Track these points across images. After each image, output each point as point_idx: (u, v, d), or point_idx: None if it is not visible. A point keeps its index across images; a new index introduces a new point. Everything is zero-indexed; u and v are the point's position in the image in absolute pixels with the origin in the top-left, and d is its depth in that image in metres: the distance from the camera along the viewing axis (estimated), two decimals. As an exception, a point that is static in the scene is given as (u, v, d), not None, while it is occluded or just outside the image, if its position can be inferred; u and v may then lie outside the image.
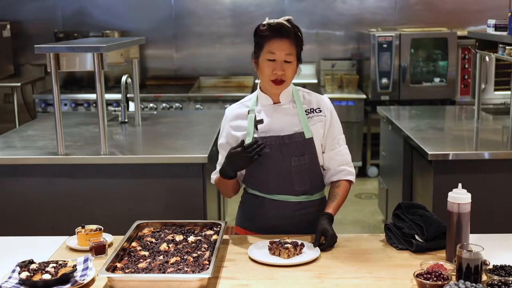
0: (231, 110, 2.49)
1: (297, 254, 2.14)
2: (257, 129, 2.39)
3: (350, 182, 2.47)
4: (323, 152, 2.43)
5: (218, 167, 2.46)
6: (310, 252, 2.16)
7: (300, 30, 2.35)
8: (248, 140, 2.36)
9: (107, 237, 2.32)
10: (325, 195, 2.49)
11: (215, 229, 2.31)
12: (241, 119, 2.44)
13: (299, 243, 2.18)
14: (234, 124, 2.45)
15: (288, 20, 2.32)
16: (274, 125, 2.38)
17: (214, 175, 2.49)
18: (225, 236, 2.32)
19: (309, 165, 2.41)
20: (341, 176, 2.45)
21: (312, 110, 2.42)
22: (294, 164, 2.38)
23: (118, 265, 2.00)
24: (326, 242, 2.21)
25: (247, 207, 2.51)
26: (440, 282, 1.81)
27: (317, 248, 2.18)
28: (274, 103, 2.41)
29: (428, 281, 1.83)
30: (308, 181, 2.42)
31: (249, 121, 2.41)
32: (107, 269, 1.92)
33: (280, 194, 2.41)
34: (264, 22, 2.32)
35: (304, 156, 2.38)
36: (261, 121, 2.39)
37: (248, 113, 2.42)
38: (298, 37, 2.33)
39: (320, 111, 2.43)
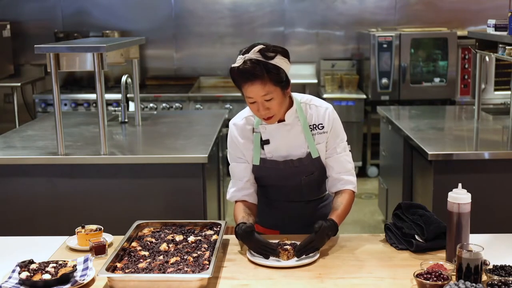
0: (236, 127, 2.39)
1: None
2: (263, 149, 2.35)
3: (352, 191, 2.40)
4: None
5: (238, 183, 2.39)
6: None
7: (275, 56, 2.15)
8: (255, 160, 2.34)
9: (107, 237, 2.32)
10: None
11: (215, 229, 2.31)
12: (246, 139, 2.37)
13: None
14: (241, 142, 2.37)
15: (260, 51, 2.14)
16: (280, 146, 2.34)
17: (234, 194, 2.40)
18: (225, 236, 2.32)
19: (318, 179, 2.43)
20: (340, 186, 2.38)
21: (315, 126, 2.34)
22: (304, 182, 2.39)
23: (118, 265, 2.00)
24: (302, 243, 2.11)
25: (258, 203, 2.44)
26: (440, 282, 1.81)
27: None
28: (279, 121, 2.32)
29: (428, 281, 1.83)
30: (318, 191, 2.48)
31: (255, 141, 2.36)
32: (107, 269, 1.92)
33: (289, 201, 2.44)
34: (234, 64, 2.16)
35: (313, 174, 2.38)
36: (267, 142, 2.34)
37: (253, 131, 2.36)
38: (271, 71, 2.14)
39: (323, 127, 2.34)
